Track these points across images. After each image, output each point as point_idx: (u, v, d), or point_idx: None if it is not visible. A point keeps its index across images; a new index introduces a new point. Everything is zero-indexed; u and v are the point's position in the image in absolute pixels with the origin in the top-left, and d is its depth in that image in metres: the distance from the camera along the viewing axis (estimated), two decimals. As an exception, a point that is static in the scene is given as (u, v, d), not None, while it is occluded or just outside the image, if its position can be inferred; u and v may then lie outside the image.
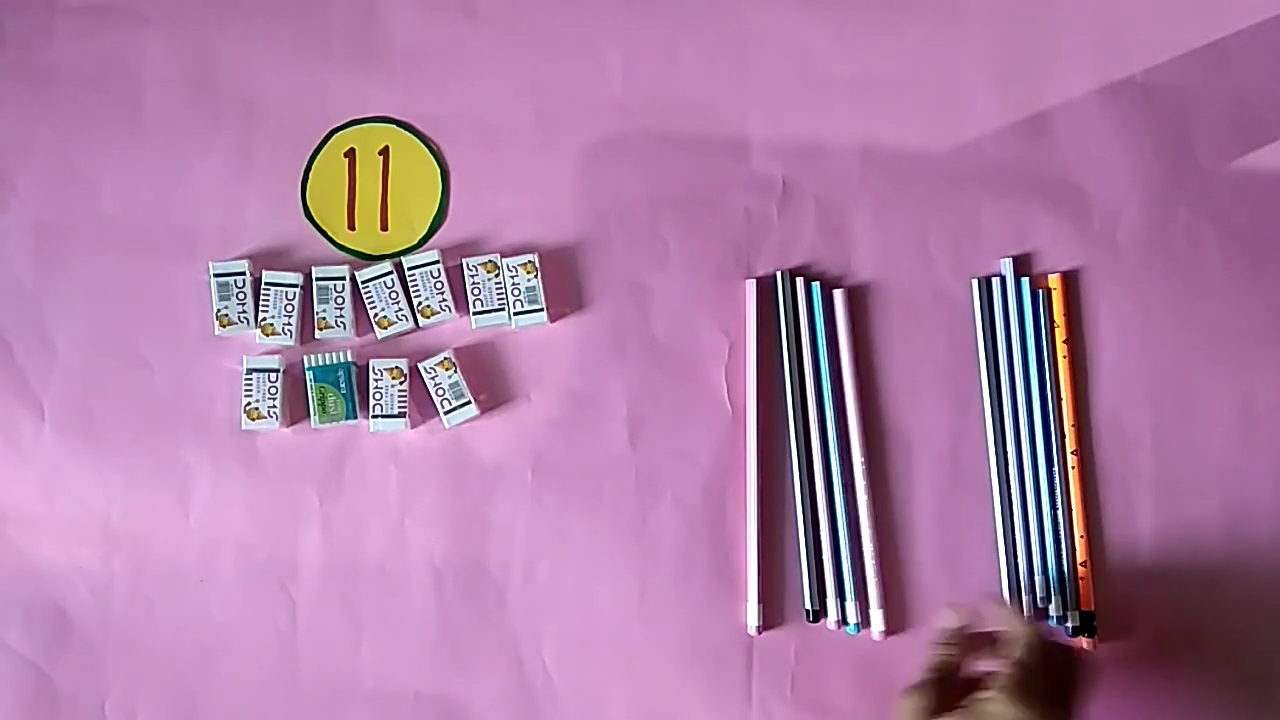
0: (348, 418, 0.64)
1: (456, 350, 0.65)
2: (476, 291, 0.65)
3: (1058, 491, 0.63)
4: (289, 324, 0.64)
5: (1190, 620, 0.63)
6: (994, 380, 0.65)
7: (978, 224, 0.66)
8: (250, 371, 0.63)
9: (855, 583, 0.63)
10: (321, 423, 0.64)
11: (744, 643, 0.64)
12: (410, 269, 0.65)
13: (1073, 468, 0.64)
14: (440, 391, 0.64)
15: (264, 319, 0.64)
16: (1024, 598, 0.63)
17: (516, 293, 0.65)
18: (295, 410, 0.65)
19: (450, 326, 0.66)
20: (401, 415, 0.63)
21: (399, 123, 0.67)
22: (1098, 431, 0.65)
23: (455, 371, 0.64)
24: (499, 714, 0.63)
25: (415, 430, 0.65)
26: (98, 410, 0.65)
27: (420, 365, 0.64)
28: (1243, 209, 0.66)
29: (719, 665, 0.63)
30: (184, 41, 0.68)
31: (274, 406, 0.63)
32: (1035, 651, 0.54)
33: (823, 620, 0.63)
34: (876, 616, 0.63)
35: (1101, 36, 0.67)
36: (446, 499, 0.65)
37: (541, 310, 0.64)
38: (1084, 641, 0.62)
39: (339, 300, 0.65)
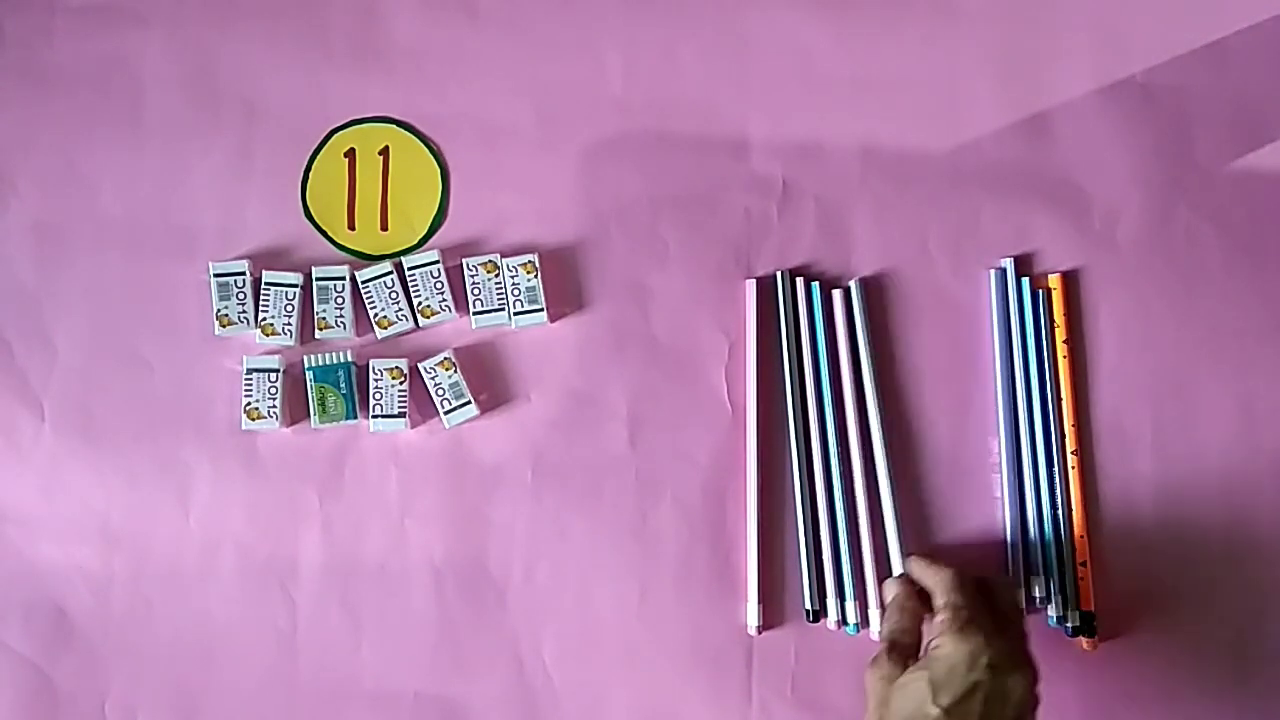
0: (348, 418, 0.64)
1: (456, 350, 0.65)
2: (476, 291, 0.65)
3: (1058, 491, 0.63)
4: (289, 324, 0.64)
5: (1190, 620, 0.63)
6: (994, 380, 0.65)
7: (978, 224, 0.66)
8: (250, 371, 0.63)
9: (855, 583, 0.63)
10: (321, 423, 0.64)
11: (744, 643, 0.64)
12: (410, 269, 0.65)
13: (1073, 468, 0.64)
14: (440, 391, 0.64)
15: (264, 319, 0.64)
16: (1024, 597, 0.63)
17: (516, 293, 0.65)
18: (295, 410, 0.65)
19: (450, 326, 0.66)
20: (401, 415, 0.63)
21: (399, 123, 0.67)
22: (1098, 431, 0.65)
23: (455, 371, 0.64)
24: (499, 714, 0.63)
25: (415, 430, 0.65)
26: (98, 410, 0.65)
27: (420, 365, 0.64)
28: (1243, 209, 0.66)
29: (719, 665, 0.63)
30: (184, 41, 0.68)
31: (274, 406, 0.63)
32: (960, 590, 0.56)
33: (823, 620, 0.63)
34: (876, 616, 0.63)
35: (1101, 36, 0.67)
36: (446, 499, 0.65)
37: (541, 310, 0.64)
38: (1084, 642, 0.62)
39: (339, 300, 0.65)
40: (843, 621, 0.63)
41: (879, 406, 0.64)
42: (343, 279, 0.65)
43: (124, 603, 0.64)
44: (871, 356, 0.65)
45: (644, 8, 0.68)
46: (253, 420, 0.63)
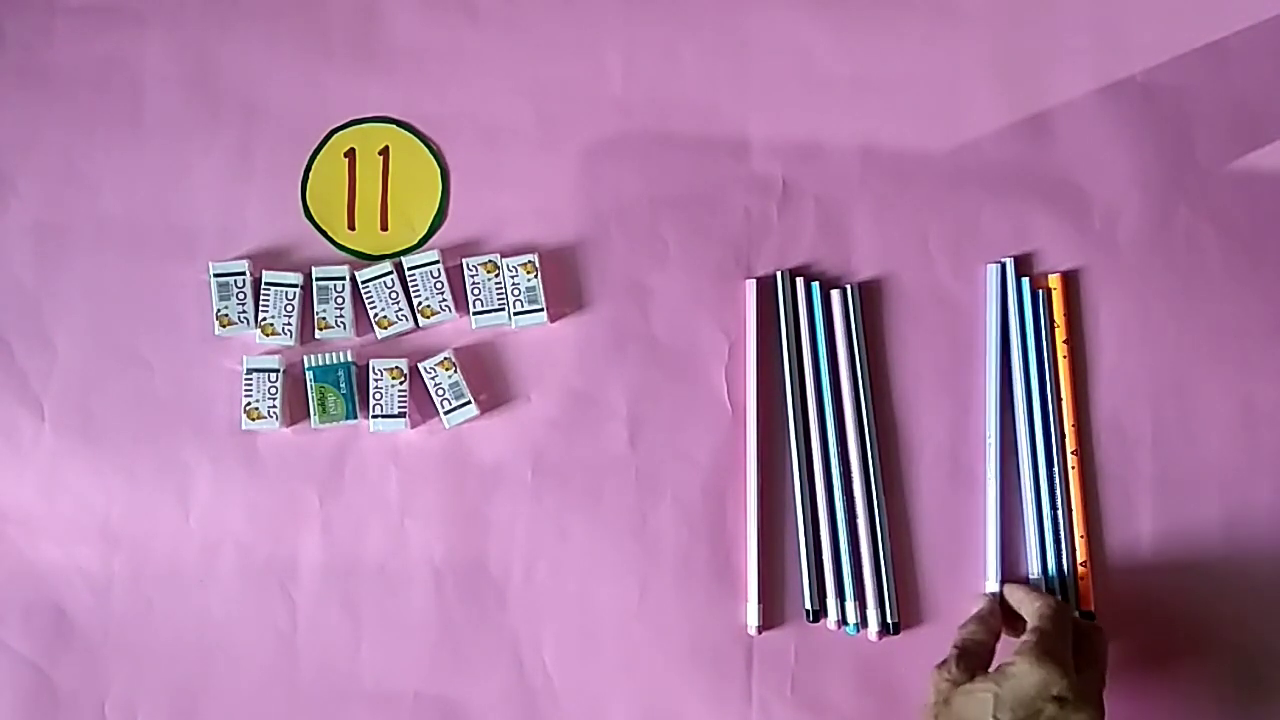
0: (348, 418, 0.64)
1: (456, 350, 0.65)
2: (476, 291, 0.65)
3: (1058, 491, 0.63)
4: (289, 324, 0.64)
5: (1190, 620, 0.63)
6: (994, 380, 0.65)
7: (978, 224, 0.66)
8: (250, 371, 0.63)
9: (855, 583, 0.63)
10: (321, 423, 0.64)
11: (744, 643, 0.64)
12: (410, 269, 0.65)
13: (1073, 468, 0.64)
14: (440, 391, 0.64)
15: (264, 319, 0.64)
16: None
17: (516, 293, 0.65)
18: (295, 410, 0.65)
19: (450, 326, 0.66)
20: (401, 415, 0.63)
21: (399, 123, 0.67)
22: (1098, 431, 0.65)
23: (455, 371, 0.64)
24: (499, 714, 0.63)
25: (415, 430, 0.65)
26: (98, 410, 0.65)
27: (420, 365, 0.64)
28: (1243, 209, 0.66)
29: (719, 665, 0.63)
30: (184, 41, 0.68)
31: (274, 406, 0.63)
32: (1053, 619, 0.56)
33: (823, 620, 0.63)
34: (875, 616, 0.63)
35: (1101, 36, 0.67)
36: (446, 499, 0.65)
37: (541, 310, 0.64)
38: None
39: (339, 300, 0.65)
40: (843, 621, 0.63)
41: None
42: (343, 279, 0.65)
43: (124, 603, 0.64)
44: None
45: (644, 8, 0.68)
46: (253, 420, 0.63)
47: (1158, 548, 0.64)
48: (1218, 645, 0.63)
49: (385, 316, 0.65)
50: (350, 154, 0.67)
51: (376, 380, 0.64)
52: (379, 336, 0.65)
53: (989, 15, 0.68)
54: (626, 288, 0.66)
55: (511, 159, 0.67)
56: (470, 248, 0.66)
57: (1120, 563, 0.64)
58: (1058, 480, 0.64)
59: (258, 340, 0.64)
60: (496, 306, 0.65)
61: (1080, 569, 0.63)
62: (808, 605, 0.63)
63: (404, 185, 0.67)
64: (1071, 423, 0.64)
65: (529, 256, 0.65)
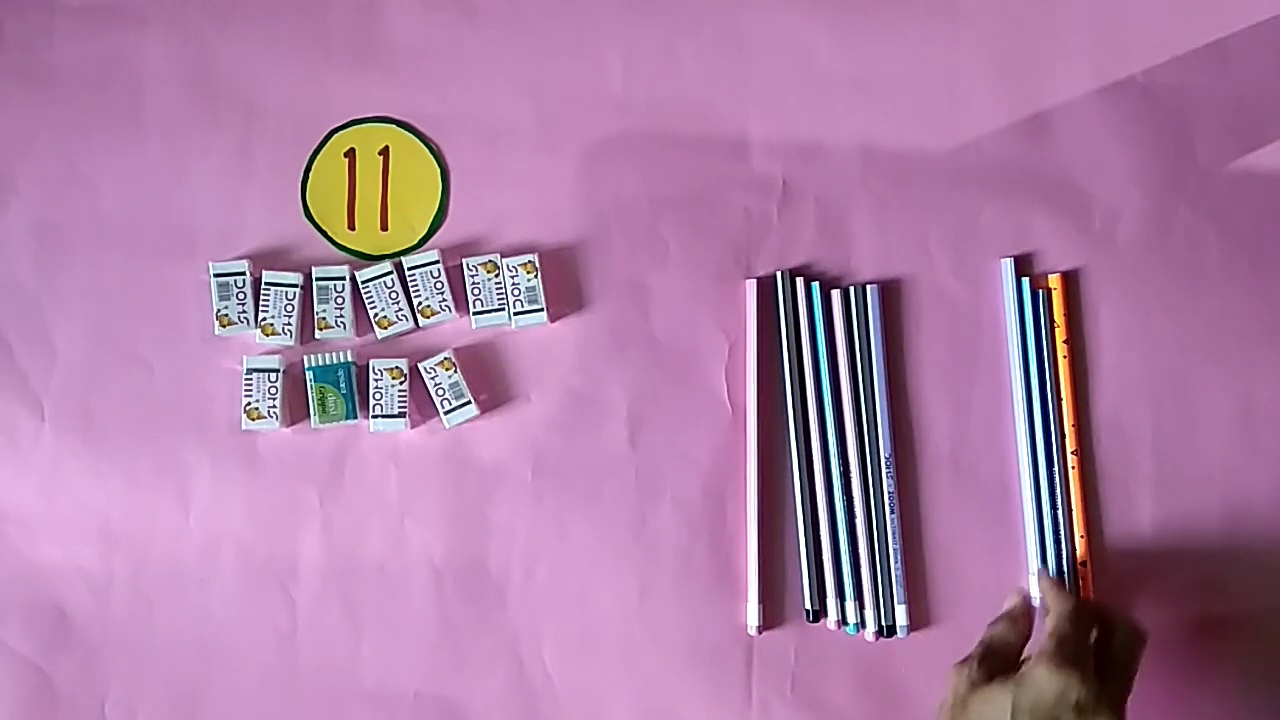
0: (348, 418, 0.64)
1: (456, 350, 0.65)
2: (476, 291, 0.65)
3: (1058, 491, 0.63)
4: (289, 324, 0.64)
5: (1190, 620, 0.63)
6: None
7: (978, 224, 0.66)
8: (250, 371, 0.63)
9: (855, 583, 0.63)
10: (321, 423, 0.64)
11: (744, 643, 0.64)
12: (410, 269, 0.65)
13: (1073, 468, 0.64)
14: (440, 391, 0.64)
15: (264, 319, 0.64)
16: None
17: (516, 293, 0.65)
18: (295, 410, 0.65)
19: (450, 326, 0.66)
20: (401, 415, 0.63)
21: (399, 123, 0.67)
22: (1098, 431, 0.65)
23: (455, 371, 0.64)
24: (499, 714, 0.63)
25: (415, 430, 0.65)
26: (98, 410, 0.65)
27: (420, 365, 0.64)
28: (1243, 209, 0.66)
29: (719, 665, 0.63)
30: (184, 41, 0.68)
31: (274, 406, 0.63)
32: (1073, 623, 0.55)
33: (823, 620, 0.64)
34: (873, 618, 0.63)
35: (1101, 36, 0.67)
36: (446, 499, 0.65)
37: (541, 310, 0.64)
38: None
39: (339, 300, 0.65)
40: (843, 621, 0.63)
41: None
42: (343, 279, 0.65)
43: (124, 603, 0.64)
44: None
45: (644, 8, 0.68)
46: (253, 420, 0.63)
47: (1158, 547, 0.64)
48: (1217, 644, 0.63)
49: (385, 316, 0.65)
50: (350, 154, 0.67)
51: (376, 380, 0.64)
52: (379, 336, 0.65)
53: (989, 15, 0.68)
54: (626, 288, 0.66)
55: (511, 159, 0.67)
56: (470, 248, 0.66)
57: (1120, 562, 0.64)
58: (1058, 480, 0.64)
59: (258, 340, 0.64)
60: (496, 306, 0.65)
61: (1080, 569, 0.63)
62: (808, 605, 0.63)
63: (404, 185, 0.67)
64: (1071, 422, 0.64)
65: (529, 256, 0.65)
